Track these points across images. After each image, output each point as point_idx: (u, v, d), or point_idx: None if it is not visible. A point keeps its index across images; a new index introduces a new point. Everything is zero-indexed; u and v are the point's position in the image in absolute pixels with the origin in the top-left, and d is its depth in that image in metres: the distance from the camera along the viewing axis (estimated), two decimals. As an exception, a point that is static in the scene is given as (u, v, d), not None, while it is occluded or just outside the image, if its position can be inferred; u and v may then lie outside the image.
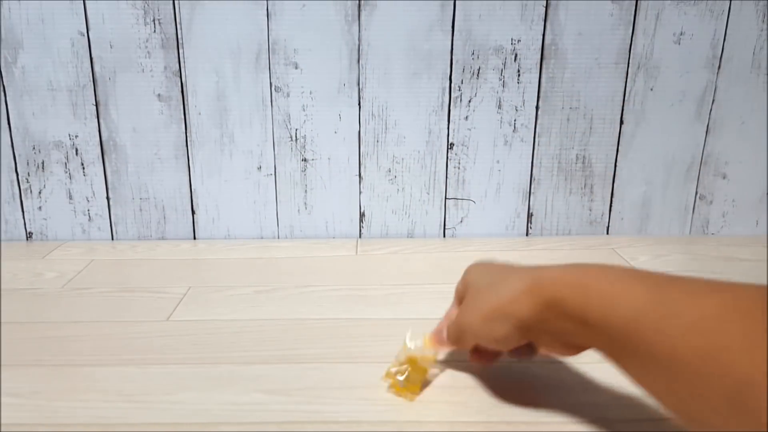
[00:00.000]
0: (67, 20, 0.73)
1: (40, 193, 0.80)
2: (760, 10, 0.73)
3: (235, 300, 0.62)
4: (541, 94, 0.76)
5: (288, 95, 0.76)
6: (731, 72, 0.76)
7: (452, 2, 0.73)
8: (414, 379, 0.46)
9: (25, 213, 0.80)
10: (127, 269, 0.71)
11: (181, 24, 0.73)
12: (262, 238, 0.82)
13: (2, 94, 0.76)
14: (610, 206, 0.81)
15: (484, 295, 0.41)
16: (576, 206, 0.81)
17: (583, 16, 0.73)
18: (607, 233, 0.82)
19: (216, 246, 0.78)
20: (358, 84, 0.76)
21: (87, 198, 0.80)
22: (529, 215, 0.81)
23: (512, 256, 0.74)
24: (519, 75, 0.75)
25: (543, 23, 0.74)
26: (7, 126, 0.77)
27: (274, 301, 0.62)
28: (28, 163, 0.78)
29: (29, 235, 0.81)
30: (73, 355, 0.51)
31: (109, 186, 0.79)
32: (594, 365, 0.49)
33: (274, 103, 0.76)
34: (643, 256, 0.73)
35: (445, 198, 0.80)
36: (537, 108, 0.77)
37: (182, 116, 0.77)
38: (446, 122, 0.77)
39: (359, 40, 0.74)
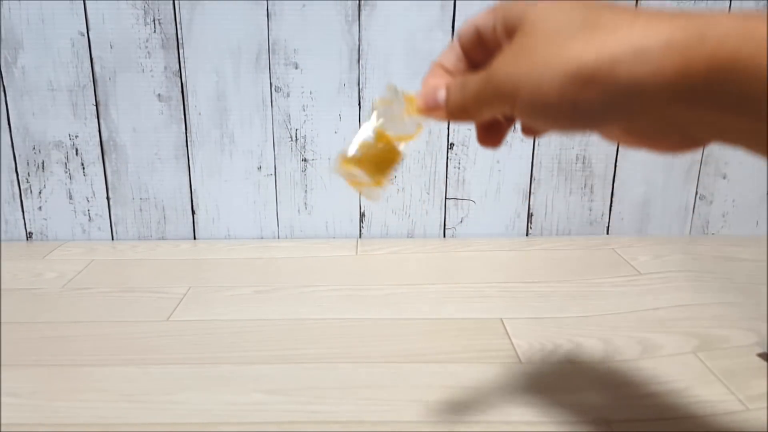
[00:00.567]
0: (67, 20, 0.73)
1: (40, 193, 0.79)
2: (760, 10, 0.73)
3: (235, 300, 0.62)
4: (542, 94, 0.76)
5: (288, 95, 0.76)
6: (731, 72, 0.76)
7: (452, 2, 0.73)
8: (377, 162, 0.34)
9: (25, 213, 0.80)
10: (127, 269, 0.71)
11: (181, 24, 0.73)
12: (262, 238, 0.82)
13: (2, 94, 0.76)
14: (610, 206, 0.81)
15: (574, 39, 0.25)
16: (576, 206, 0.81)
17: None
18: (607, 233, 0.82)
19: (216, 246, 0.78)
20: (358, 84, 0.76)
21: (87, 198, 0.80)
22: (529, 215, 0.81)
23: (512, 256, 0.74)
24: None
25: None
26: (7, 126, 0.77)
27: (274, 301, 0.62)
28: (28, 163, 0.78)
29: (29, 235, 0.81)
30: (73, 355, 0.51)
31: (109, 186, 0.79)
32: (594, 365, 0.49)
33: (274, 103, 0.76)
34: (643, 256, 0.73)
35: (445, 198, 0.80)
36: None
37: (182, 116, 0.77)
38: (446, 122, 0.77)
39: (359, 40, 0.74)
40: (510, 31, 0.29)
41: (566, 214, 0.81)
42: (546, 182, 0.80)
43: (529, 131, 0.34)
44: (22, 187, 0.79)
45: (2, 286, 0.66)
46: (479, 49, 0.32)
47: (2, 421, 0.42)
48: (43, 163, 0.78)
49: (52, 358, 0.51)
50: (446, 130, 0.77)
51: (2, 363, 0.50)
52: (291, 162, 0.79)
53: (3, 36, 0.73)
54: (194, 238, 0.81)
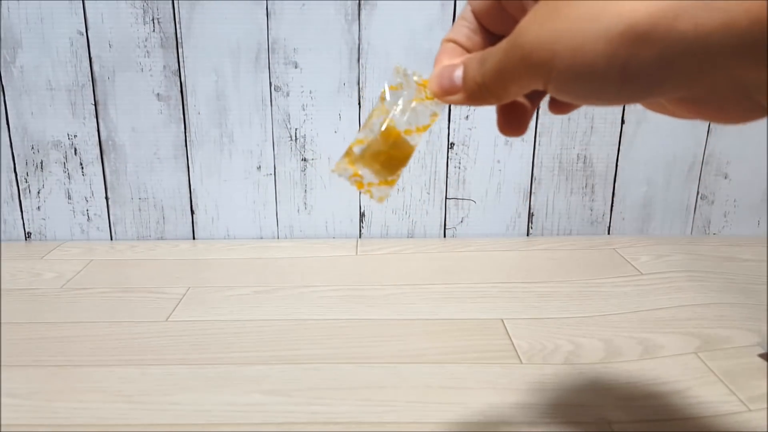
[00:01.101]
0: (66, 20, 0.73)
1: (38, 192, 0.79)
2: None
3: (234, 300, 0.62)
4: (542, 94, 0.76)
5: (288, 95, 0.76)
6: (732, 71, 0.75)
7: (452, 2, 0.73)
8: (387, 159, 0.30)
9: (23, 213, 0.80)
10: (126, 269, 0.71)
11: (180, 23, 0.73)
12: (261, 238, 0.81)
13: (1, 93, 0.75)
14: (611, 206, 0.81)
15: None
16: (577, 206, 0.81)
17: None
18: (608, 233, 0.82)
19: (215, 246, 0.78)
20: (358, 83, 0.75)
21: (86, 198, 0.79)
22: (530, 215, 0.81)
23: (513, 256, 0.74)
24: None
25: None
26: (5, 126, 0.76)
27: (274, 301, 0.62)
28: (26, 163, 0.78)
29: (28, 235, 0.81)
30: (72, 356, 0.51)
31: (108, 186, 0.79)
32: (594, 365, 0.49)
33: (273, 103, 0.76)
34: (644, 257, 0.73)
35: (446, 198, 0.80)
36: (538, 107, 0.76)
37: (181, 116, 0.76)
38: (446, 122, 0.77)
39: (359, 39, 0.74)
40: None
41: (567, 214, 0.81)
42: (547, 182, 0.79)
43: (560, 107, 0.30)
44: (20, 187, 0.79)
45: (1, 287, 0.66)
46: (499, 17, 0.28)
47: (1, 422, 0.42)
48: (41, 162, 0.78)
49: (50, 358, 0.51)
50: (446, 130, 0.77)
51: (1, 363, 0.50)
52: (291, 162, 0.78)
53: (2, 35, 0.73)
54: (193, 238, 0.81)
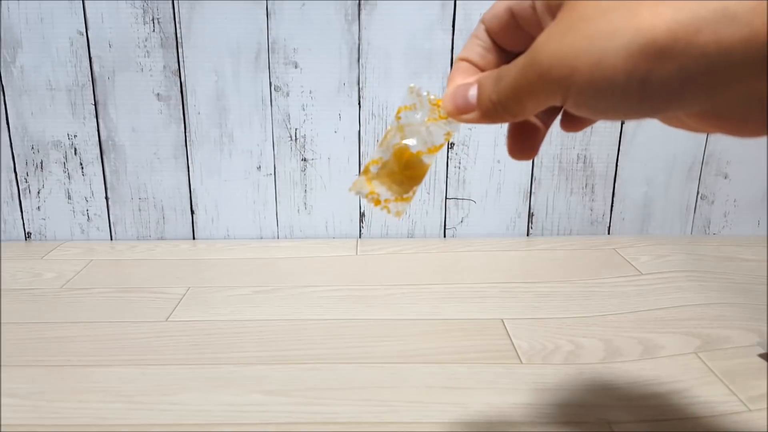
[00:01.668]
0: (66, 20, 0.73)
1: (38, 193, 0.79)
2: None
3: (234, 300, 0.62)
4: (542, 94, 0.76)
5: (288, 95, 0.76)
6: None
7: (453, 2, 0.73)
8: (402, 179, 0.31)
9: (23, 213, 0.80)
10: (126, 269, 0.71)
11: (180, 23, 0.73)
12: (261, 238, 0.81)
13: (1, 93, 0.75)
14: (612, 206, 0.81)
15: (641, 4, 0.21)
16: (577, 206, 0.81)
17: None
18: (609, 233, 0.82)
19: (215, 246, 0.78)
20: (358, 83, 0.75)
21: (86, 198, 0.79)
22: (530, 215, 0.81)
23: (513, 256, 0.74)
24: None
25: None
26: (5, 126, 0.76)
27: (274, 301, 0.62)
28: (26, 163, 0.78)
29: (28, 235, 0.81)
30: (71, 356, 0.51)
31: (108, 186, 0.79)
32: (594, 365, 0.49)
33: (273, 103, 0.76)
34: (644, 257, 0.73)
35: (446, 198, 0.80)
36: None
37: (181, 116, 0.76)
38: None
39: (359, 39, 0.74)
40: (554, 6, 0.24)
41: (567, 214, 0.81)
42: (547, 182, 0.79)
43: (573, 124, 0.29)
44: (20, 187, 0.79)
45: (1, 287, 0.66)
46: (514, 35, 0.28)
47: (1, 422, 0.42)
48: (41, 162, 0.78)
49: (50, 358, 0.51)
50: (446, 130, 0.77)
51: (1, 363, 0.50)
52: (290, 162, 0.78)
53: (2, 35, 0.73)
54: (193, 238, 0.81)
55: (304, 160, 0.78)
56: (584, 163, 0.79)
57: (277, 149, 0.78)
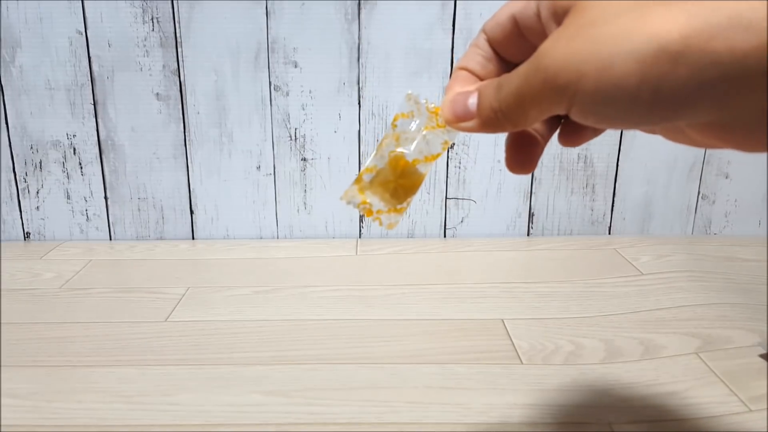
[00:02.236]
0: (66, 19, 0.72)
1: (38, 192, 0.79)
2: None
3: (234, 300, 0.62)
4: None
5: (287, 94, 0.76)
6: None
7: (453, 1, 0.72)
8: (396, 188, 0.30)
9: (22, 213, 0.80)
10: (125, 269, 0.71)
11: (179, 23, 0.73)
12: (261, 238, 0.81)
13: (0, 93, 0.75)
14: (612, 206, 0.81)
15: (652, 9, 0.20)
16: (577, 206, 0.80)
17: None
18: (609, 233, 0.82)
19: (215, 246, 0.78)
20: (358, 83, 0.75)
21: (85, 198, 0.79)
22: (531, 215, 0.81)
23: (513, 256, 0.74)
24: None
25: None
26: (5, 125, 0.76)
27: (274, 301, 0.62)
28: (26, 163, 0.78)
29: (27, 235, 0.81)
30: (71, 356, 0.51)
31: (108, 186, 0.79)
32: (595, 365, 0.49)
33: (273, 103, 0.76)
34: (645, 257, 0.72)
35: (446, 198, 0.80)
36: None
37: (181, 115, 0.76)
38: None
39: (359, 38, 0.74)
40: (560, 13, 0.24)
41: (567, 214, 0.81)
42: (547, 182, 0.79)
43: (572, 138, 0.29)
44: (19, 187, 0.79)
45: (1, 287, 0.66)
46: (516, 44, 0.27)
47: (1, 422, 0.42)
48: (40, 162, 0.78)
49: (49, 358, 0.51)
50: (446, 130, 0.77)
51: (1, 364, 0.50)
52: (290, 161, 0.78)
53: (1, 35, 0.73)
54: (193, 238, 0.81)
55: (304, 159, 0.78)
56: (585, 162, 0.79)
57: (277, 149, 0.78)
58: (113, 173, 0.78)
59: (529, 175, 0.79)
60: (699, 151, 0.78)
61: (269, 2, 0.72)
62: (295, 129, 0.77)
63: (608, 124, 0.23)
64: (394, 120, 0.29)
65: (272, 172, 0.79)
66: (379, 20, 0.73)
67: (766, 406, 0.43)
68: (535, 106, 0.23)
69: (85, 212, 0.80)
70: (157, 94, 0.75)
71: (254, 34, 0.73)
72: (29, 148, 0.77)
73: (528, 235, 0.82)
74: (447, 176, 0.79)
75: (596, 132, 0.29)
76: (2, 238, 0.81)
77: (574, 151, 0.78)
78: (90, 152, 0.77)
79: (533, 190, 0.80)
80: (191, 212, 0.80)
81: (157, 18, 0.73)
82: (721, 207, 0.81)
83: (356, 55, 0.74)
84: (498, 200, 0.80)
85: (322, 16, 0.73)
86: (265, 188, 0.79)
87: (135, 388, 0.46)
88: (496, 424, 0.42)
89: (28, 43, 0.73)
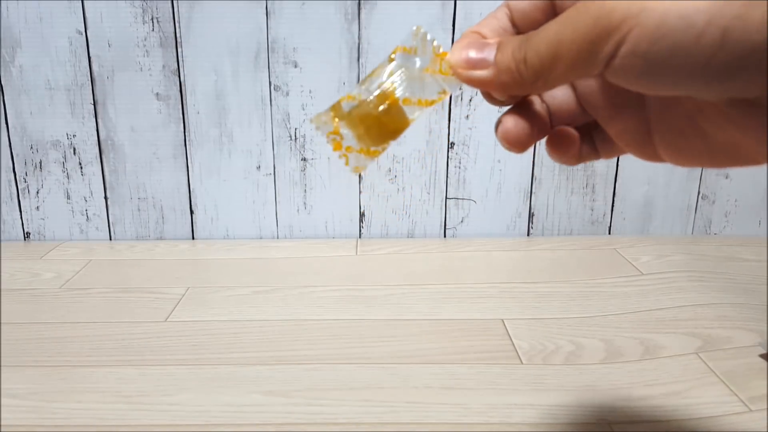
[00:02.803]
0: (65, 19, 0.72)
1: (37, 192, 0.79)
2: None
3: (234, 300, 0.62)
4: (542, 93, 0.76)
5: (287, 94, 0.76)
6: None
7: (453, 1, 0.72)
8: (376, 127, 0.26)
9: (22, 213, 0.80)
10: (125, 269, 0.71)
11: (179, 22, 0.73)
12: (261, 238, 0.81)
13: (0, 93, 0.75)
14: (612, 206, 0.81)
15: None
16: (577, 206, 0.80)
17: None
18: (609, 233, 0.82)
19: (215, 246, 0.78)
20: (358, 83, 0.75)
21: (85, 198, 0.79)
22: (531, 215, 0.81)
23: (513, 256, 0.74)
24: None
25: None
26: (4, 125, 0.76)
27: (274, 301, 0.62)
28: (25, 163, 0.78)
29: (27, 235, 0.81)
30: (70, 356, 0.51)
31: (107, 186, 0.79)
32: (595, 366, 0.49)
33: (273, 102, 0.76)
34: (645, 257, 0.72)
35: (446, 198, 0.80)
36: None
37: (181, 115, 0.76)
38: (447, 121, 0.77)
39: (359, 38, 0.74)
40: None
41: (568, 214, 0.81)
42: (547, 182, 0.79)
43: (560, 145, 0.27)
44: (19, 187, 0.79)
45: (1, 287, 0.66)
46: (544, 20, 0.24)
47: (1, 422, 0.42)
48: (40, 162, 0.78)
49: (49, 358, 0.51)
50: (447, 130, 0.77)
51: (1, 364, 0.50)
52: (290, 161, 0.78)
53: (1, 35, 0.73)
54: (192, 238, 0.81)
55: (304, 159, 0.78)
56: (585, 162, 0.79)
57: (277, 149, 0.78)
58: (113, 173, 0.78)
59: (529, 175, 0.79)
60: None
61: (269, 2, 0.72)
62: (295, 129, 0.77)
63: (652, 77, 0.20)
64: (393, 51, 0.26)
65: (272, 172, 0.79)
66: (379, 20, 0.73)
67: (766, 406, 0.43)
68: (573, 55, 0.21)
69: (85, 212, 0.80)
70: (157, 94, 0.75)
71: (254, 34, 0.73)
72: (29, 148, 0.77)
73: (528, 235, 0.82)
74: (447, 176, 0.79)
75: (609, 151, 0.27)
76: (2, 238, 0.81)
77: (574, 151, 0.78)
78: (90, 152, 0.77)
79: (533, 190, 0.80)
80: (191, 212, 0.80)
81: (157, 18, 0.73)
82: (721, 207, 0.81)
83: (356, 55, 0.74)
84: (498, 200, 0.80)
85: (322, 16, 0.73)
86: (265, 188, 0.79)
87: (135, 388, 0.46)
88: (496, 424, 0.42)
89: (28, 43, 0.73)
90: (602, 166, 0.79)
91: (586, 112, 0.28)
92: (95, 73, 0.75)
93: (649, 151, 0.26)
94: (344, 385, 0.46)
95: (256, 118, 0.76)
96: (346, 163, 0.26)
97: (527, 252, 0.75)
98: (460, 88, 0.26)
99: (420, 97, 0.26)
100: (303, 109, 0.76)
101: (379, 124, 0.26)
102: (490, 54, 0.23)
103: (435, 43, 0.25)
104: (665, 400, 0.44)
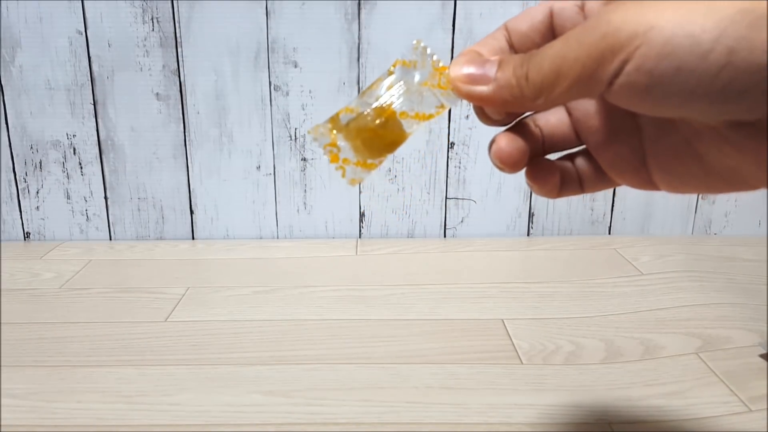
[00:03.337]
0: (65, 19, 0.72)
1: (37, 192, 0.79)
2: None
3: (234, 301, 0.62)
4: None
5: (287, 94, 0.76)
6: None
7: (453, 1, 0.72)
8: (374, 140, 0.26)
9: (22, 213, 0.80)
10: (125, 269, 0.71)
11: (179, 22, 0.73)
12: (261, 238, 0.81)
13: (0, 93, 0.75)
14: (612, 206, 0.81)
15: None
16: (578, 206, 0.80)
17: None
18: (609, 233, 0.82)
19: (215, 246, 0.78)
20: (358, 83, 0.75)
21: (85, 198, 0.79)
22: (531, 215, 0.81)
23: (513, 256, 0.74)
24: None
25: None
26: (4, 125, 0.76)
27: (274, 301, 0.62)
28: (25, 163, 0.78)
29: (27, 235, 0.81)
30: (70, 356, 0.51)
31: (107, 186, 0.79)
32: (595, 366, 0.49)
33: (273, 102, 0.76)
34: (645, 257, 0.72)
35: (446, 198, 0.80)
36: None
37: (181, 115, 0.76)
38: (447, 121, 0.77)
39: (359, 38, 0.74)
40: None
41: (568, 214, 0.81)
42: (547, 182, 0.79)
43: (542, 175, 0.26)
44: (19, 187, 0.79)
45: (0, 287, 0.66)
46: (542, 41, 0.25)
47: (1, 422, 0.42)
48: (40, 162, 0.78)
49: (49, 358, 0.51)
50: (446, 130, 0.77)
51: (1, 364, 0.50)
52: (290, 161, 0.78)
53: (1, 35, 0.73)
54: (192, 238, 0.81)
55: (304, 159, 0.78)
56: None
57: (277, 149, 0.78)
58: (113, 173, 0.78)
59: (529, 175, 0.79)
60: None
61: (269, 2, 0.72)
62: (295, 129, 0.77)
63: (655, 96, 0.20)
64: (393, 65, 0.26)
65: (272, 172, 0.79)
66: (379, 20, 0.73)
67: (766, 406, 0.43)
68: (576, 72, 0.20)
69: (85, 212, 0.80)
70: (157, 94, 0.75)
71: (254, 34, 0.73)
72: (29, 148, 0.77)
73: (528, 235, 0.82)
74: (447, 176, 0.79)
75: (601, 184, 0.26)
76: (2, 238, 0.81)
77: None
78: (90, 152, 0.77)
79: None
80: (191, 212, 0.80)
81: (157, 18, 0.73)
82: (721, 207, 0.81)
83: (356, 55, 0.74)
84: (498, 200, 0.80)
85: (322, 16, 0.73)
86: (265, 188, 0.79)
87: (135, 388, 0.46)
88: (496, 424, 0.42)
89: (28, 43, 0.73)
90: (602, 166, 0.79)
91: (578, 138, 0.27)
92: (95, 73, 0.75)
93: (642, 177, 0.25)
94: (344, 385, 0.46)
95: (256, 118, 0.76)
96: (343, 175, 0.27)
97: (527, 252, 0.75)
98: (458, 103, 0.25)
99: (418, 110, 0.26)
100: (303, 109, 0.76)
101: (377, 137, 0.26)
102: (491, 70, 0.23)
103: (435, 57, 0.26)
104: (665, 400, 0.44)
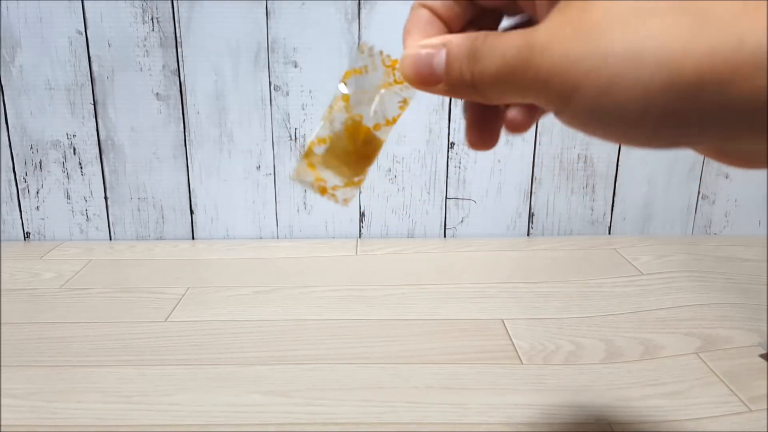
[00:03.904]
0: (65, 19, 0.72)
1: (37, 192, 0.79)
2: None
3: (233, 301, 0.62)
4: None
5: (287, 94, 0.76)
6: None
7: (453, 1, 0.72)
8: (351, 158, 0.26)
9: (22, 213, 0.80)
10: (125, 269, 0.71)
11: (179, 22, 0.73)
12: (261, 238, 0.81)
13: (0, 93, 0.75)
14: (612, 206, 0.81)
15: (677, 26, 0.17)
16: (577, 206, 0.80)
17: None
18: (609, 233, 0.82)
19: (215, 246, 0.78)
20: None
21: (85, 198, 0.79)
22: (531, 215, 0.81)
23: (513, 256, 0.74)
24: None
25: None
26: (4, 125, 0.76)
27: (274, 301, 0.61)
28: (25, 163, 0.78)
29: (27, 235, 0.81)
30: (70, 356, 0.51)
31: (107, 186, 0.79)
32: (595, 366, 0.49)
33: (273, 102, 0.76)
34: (645, 257, 0.72)
35: (446, 198, 0.80)
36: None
37: (181, 115, 0.76)
38: (447, 121, 0.77)
39: (359, 38, 0.74)
40: None
41: (568, 214, 0.81)
42: (547, 182, 0.79)
43: (520, 125, 0.24)
44: (19, 187, 0.79)
45: (0, 287, 0.66)
46: (465, 12, 0.24)
47: (1, 422, 0.42)
48: (40, 162, 0.78)
49: (49, 358, 0.51)
50: (446, 130, 0.77)
51: (1, 364, 0.50)
52: (290, 161, 0.78)
53: (1, 35, 0.73)
54: (192, 238, 0.81)
55: (304, 159, 0.78)
56: (585, 162, 0.79)
57: (277, 149, 0.78)
58: (113, 173, 0.78)
59: (529, 175, 0.79)
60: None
61: (269, 2, 0.72)
62: (295, 129, 0.77)
63: (602, 136, 0.20)
64: (344, 78, 0.25)
65: (272, 172, 0.79)
66: (379, 20, 0.73)
67: (766, 406, 0.43)
68: (516, 95, 0.21)
69: (85, 212, 0.80)
70: (157, 94, 0.75)
71: (254, 34, 0.73)
72: (29, 148, 0.77)
73: (528, 235, 0.82)
74: (447, 176, 0.79)
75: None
76: (2, 238, 0.81)
77: (574, 151, 0.78)
78: (90, 152, 0.77)
79: (533, 190, 0.80)
80: (191, 212, 0.80)
81: (157, 18, 0.73)
82: (721, 207, 0.81)
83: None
84: (498, 200, 0.80)
85: (322, 16, 0.73)
86: (265, 188, 0.79)
87: (135, 388, 0.46)
88: (496, 424, 0.42)
89: (28, 43, 0.73)
90: (602, 166, 0.79)
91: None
92: (95, 73, 0.75)
93: None
94: (344, 384, 0.46)
95: (256, 118, 0.76)
96: (336, 201, 0.27)
97: (527, 252, 0.75)
98: (417, 93, 0.25)
99: (386, 116, 0.26)
100: (303, 109, 0.76)
101: (357, 155, 0.26)
102: (439, 67, 0.23)
103: (383, 54, 0.25)
104: (665, 400, 0.44)
